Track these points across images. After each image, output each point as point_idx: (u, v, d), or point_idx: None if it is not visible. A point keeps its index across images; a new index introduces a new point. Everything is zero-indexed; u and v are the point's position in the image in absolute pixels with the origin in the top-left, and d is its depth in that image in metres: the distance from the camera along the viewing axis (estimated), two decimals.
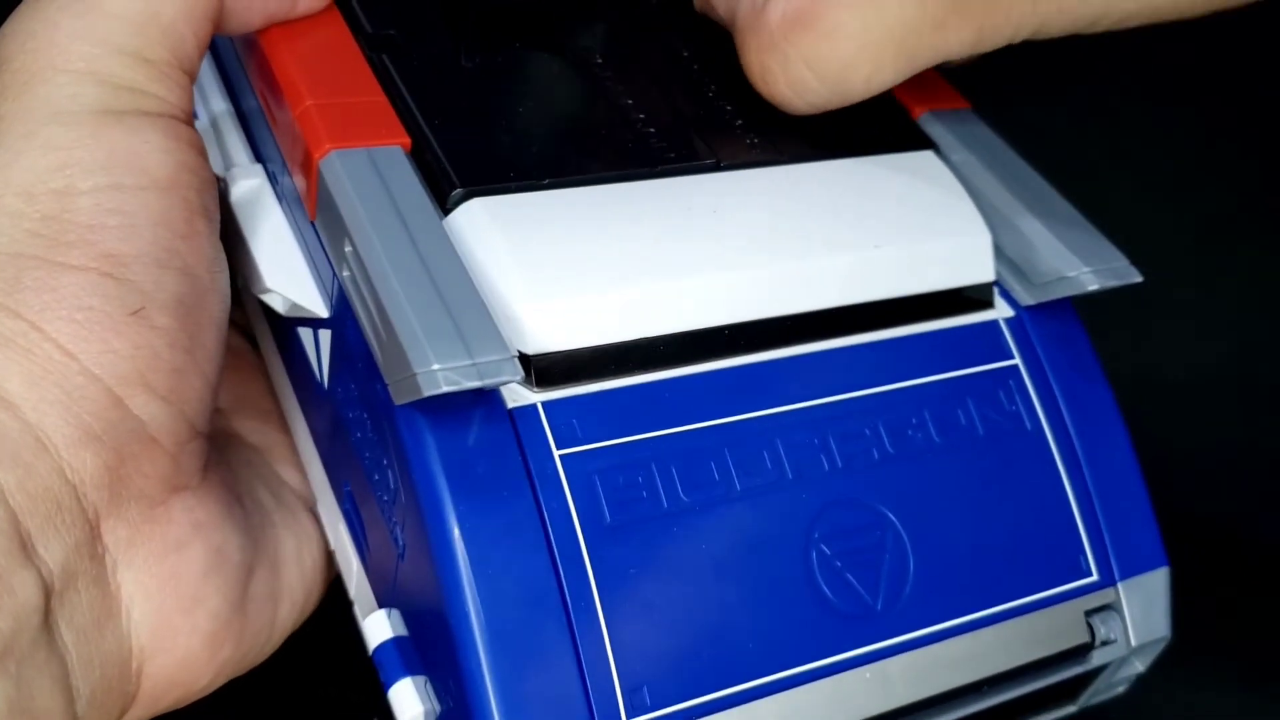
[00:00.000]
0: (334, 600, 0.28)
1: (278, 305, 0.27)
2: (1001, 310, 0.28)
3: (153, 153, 0.23)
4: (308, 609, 0.27)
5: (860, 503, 0.25)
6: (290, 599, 0.27)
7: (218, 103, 0.29)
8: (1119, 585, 0.27)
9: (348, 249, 0.23)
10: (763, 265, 0.25)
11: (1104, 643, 0.27)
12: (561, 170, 0.25)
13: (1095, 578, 0.27)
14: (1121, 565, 0.27)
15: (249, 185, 0.27)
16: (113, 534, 0.22)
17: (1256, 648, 0.34)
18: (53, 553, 0.21)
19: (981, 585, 0.25)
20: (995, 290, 0.28)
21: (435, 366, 0.21)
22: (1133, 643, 0.27)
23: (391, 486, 0.23)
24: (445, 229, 0.23)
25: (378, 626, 0.24)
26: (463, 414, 0.22)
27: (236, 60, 0.29)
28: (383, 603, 0.25)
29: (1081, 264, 0.27)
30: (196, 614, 0.24)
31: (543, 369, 0.23)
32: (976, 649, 0.25)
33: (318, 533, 0.28)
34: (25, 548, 0.21)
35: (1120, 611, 0.27)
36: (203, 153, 0.25)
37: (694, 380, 0.24)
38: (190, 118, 0.25)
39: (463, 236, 0.24)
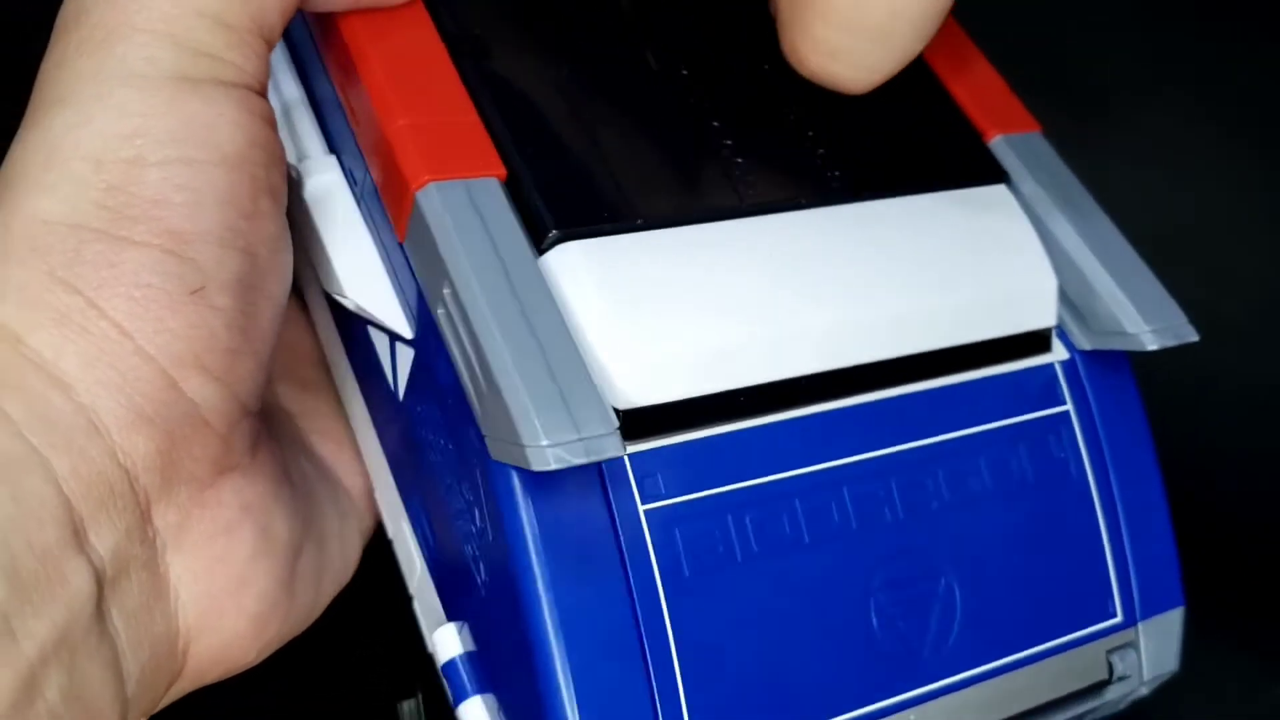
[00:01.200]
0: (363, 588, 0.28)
1: (349, 305, 0.27)
2: (1058, 353, 0.29)
3: (225, 126, 0.23)
4: (345, 581, 0.28)
5: (917, 552, 0.26)
6: (333, 572, 0.27)
7: (290, 88, 0.28)
8: (1139, 625, 0.29)
9: (446, 291, 0.23)
10: (849, 313, 0.25)
11: (1120, 678, 0.28)
12: (650, 206, 0.25)
13: (1119, 619, 0.28)
14: (1144, 606, 0.29)
15: (324, 180, 0.27)
16: (163, 518, 0.23)
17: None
18: (104, 540, 0.21)
19: (1018, 629, 0.27)
20: (1054, 332, 0.29)
21: (545, 443, 0.21)
22: (1145, 677, 0.29)
23: (478, 525, 0.24)
24: (540, 268, 0.23)
25: (448, 640, 0.25)
26: (556, 471, 0.23)
27: (310, 42, 0.28)
28: (451, 615, 0.26)
29: (1143, 322, 0.28)
30: (244, 596, 0.24)
31: (631, 422, 0.23)
32: (1009, 690, 0.27)
33: (356, 504, 0.29)
34: (78, 535, 0.21)
35: (1137, 649, 0.29)
36: (274, 125, 0.24)
37: (770, 430, 0.25)
38: (265, 89, 0.24)
39: (556, 279, 0.24)
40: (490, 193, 0.24)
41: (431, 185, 0.24)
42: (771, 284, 0.25)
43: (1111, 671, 0.28)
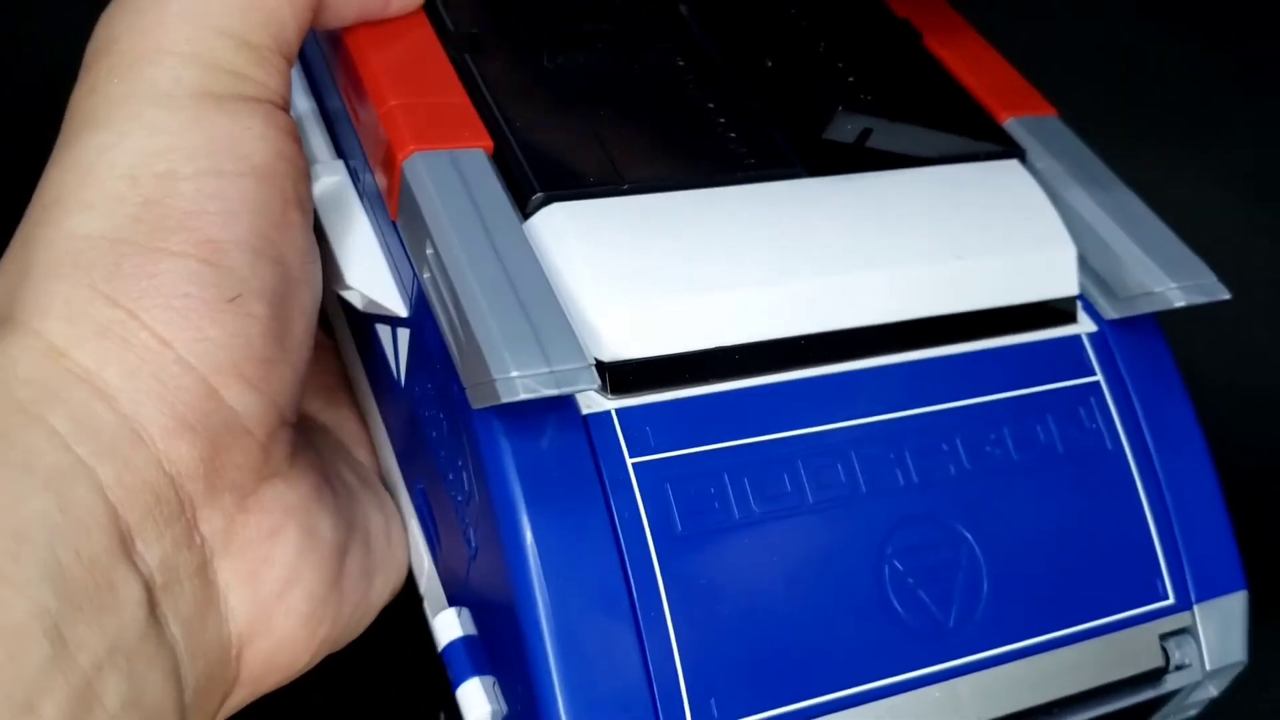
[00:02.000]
0: (402, 602, 0.28)
1: (356, 301, 0.27)
2: (1084, 325, 0.28)
3: (252, 139, 0.23)
4: (398, 583, 0.28)
5: (935, 519, 0.25)
6: (383, 574, 0.27)
7: (301, 101, 0.30)
8: (1195, 609, 0.26)
9: (429, 251, 0.23)
10: (842, 275, 0.25)
11: (1178, 667, 0.26)
12: (642, 175, 0.25)
13: (1171, 601, 0.26)
14: (1199, 588, 0.27)
15: (330, 181, 0.28)
16: (208, 524, 0.23)
17: None
18: (152, 547, 0.21)
19: (1055, 606, 0.25)
20: (1079, 304, 0.28)
21: (514, 373, 0.21)
22: (1207, 667, 0.26)
23: (466, 488, 0.23)
24: (525, 233, 0.23)
25: (448, 625, 0.25)
26: (538, 420, 0.22)
27: (321, 60, 0.29)
28: (453, 601, 0.25)
29: (1169, 279, 0.26)
30: (292, 596, 0.24)
31: (618, 376, 0.23)
32: (1047, 671, 0.25)
33: (398, 510, 0.28)
34: (125, 543, 0.21)
35: (1195, 635, 0.26)
36: (298, 140, 0.25)
37: (769, 390, 0.24)
38: (288, 104, 0.25)
39: (542, 241, 0.24)
40: (476, 162, 0.24)
41: (417, 154, 0.24)
42: (766, 245, 0.25)
43: (1168, 659, 0.26)
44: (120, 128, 0.23)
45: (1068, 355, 0.27)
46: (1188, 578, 0.26)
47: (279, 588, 0.24)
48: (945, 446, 0.25)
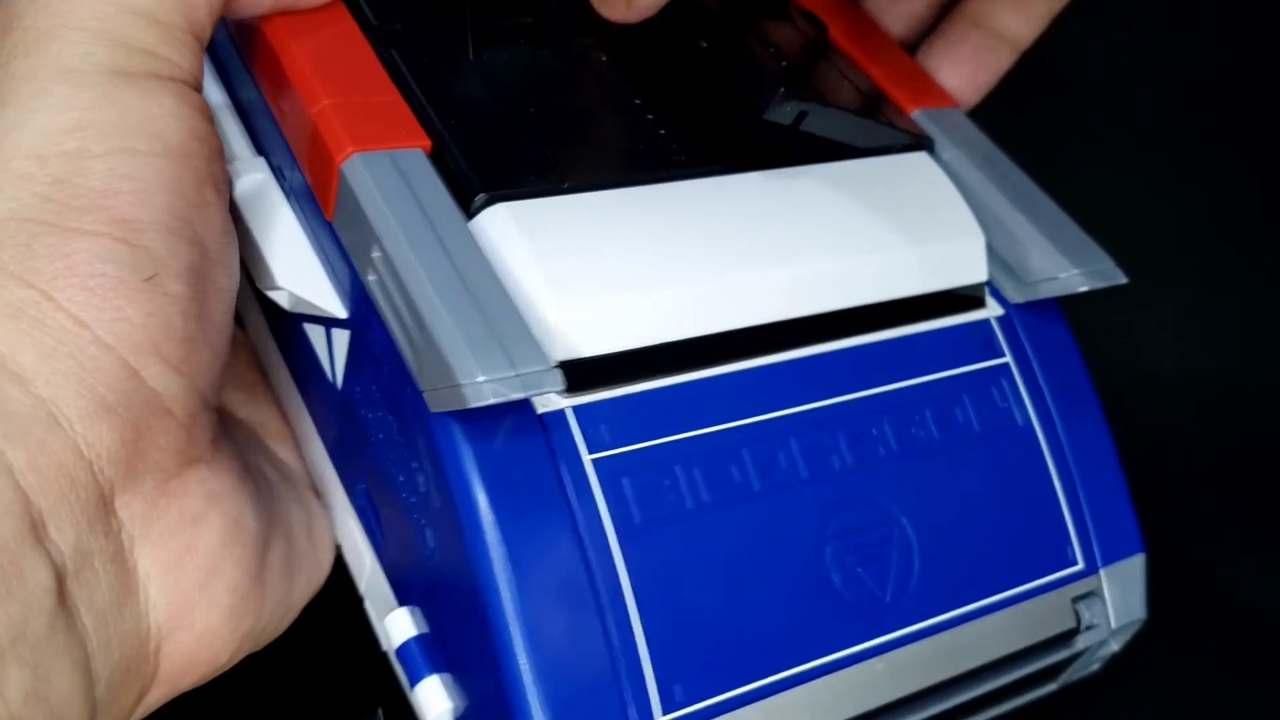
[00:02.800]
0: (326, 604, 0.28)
1: (284, 301, 0.26)
2: (992, 309, 0.29)
3: (165, 117, 0.23)
4: (319, 581, 0.27)
5: (869, 499, 0.26)
6: (305, 571, 0.27)
7: (214, 93, 0.29)
8: (1101, 572, 0.28)
9: (375, 254, 0.23)
10: (777, 270, 0.26)
11: (1088, 627, 0.28)
12: (578, 173, 0.25)
13: (1080, 566, 0.28)
14: (1104, 553, 0.28)
15: (253, 180, 0.27)
16: (128, 509, 0.22)
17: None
18: (65, 533, 0.21)
19: (980, 576, 0.27)
20: (987, 290, 0.29)
21: (481, 378, 0.21)
22: (1113, 625, 0.28)
23: (421, 489, 0.23)
24: (470, 233, 0.24)
25: (401, 624, 0.25)
26: (496, 421, 0.23)
27: (233, 49, 0.28)
28: (403, 600, 0.25)
29: (1071, 265, 0.28)
30: (214, 588, 0.24)
31: (573, 374, 0.23)
32: (975, 638, 0.26)
33: (323, 507, 0.28)
34: (36, 529, 0.20)
35: (1102, 597, 0.28)
36: (211, 120, 0.24)
37: (711, 383, 0.25)
38: (200, 85, 0.25)
39: (488, 241, 0.24)
40: (416, 162, 0.24)
41: (356, 155, 0.24)
42: (704, 241, 0.25)
43: (1079, 620, 0.28)
44: (26, 105, 0.22)
45: (979, 339, 0.29)
46: (1094, 543, 0.28)
47: (201, 577, 0.23)
48: (874, 430, 0.26)
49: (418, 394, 0.23)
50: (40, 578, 0.20)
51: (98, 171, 0.22)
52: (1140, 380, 0.41)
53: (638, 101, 0.28)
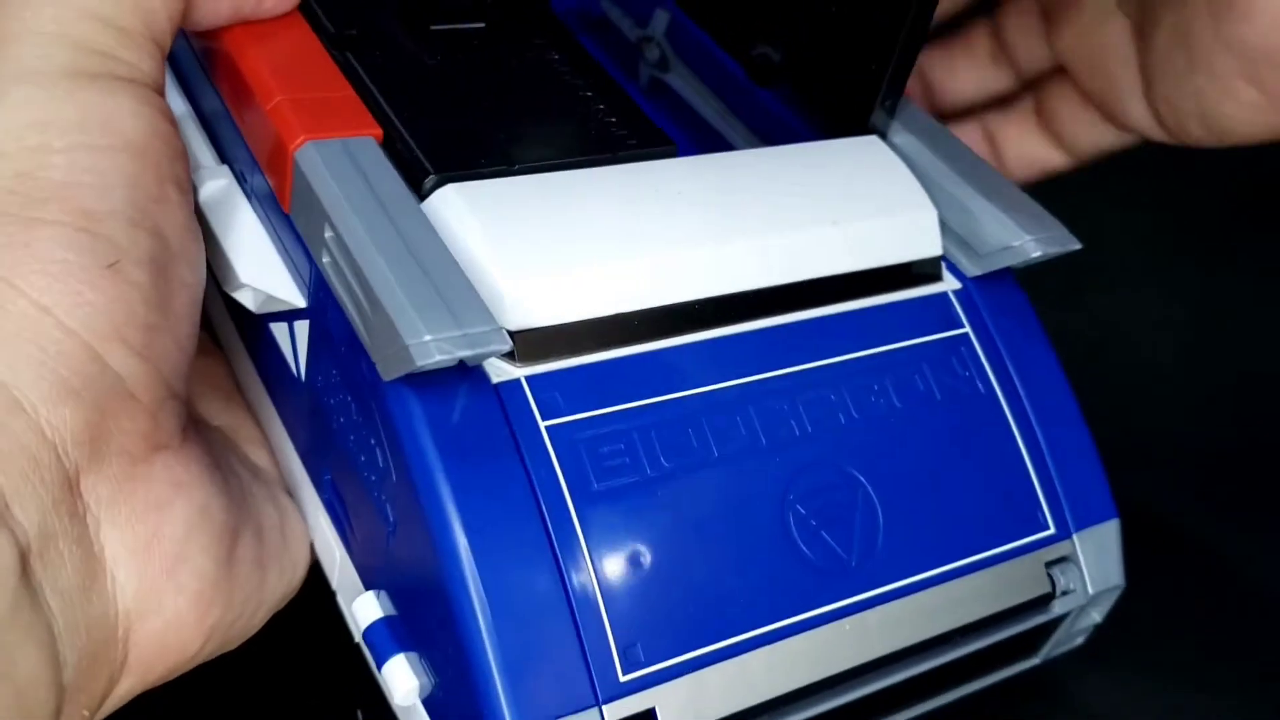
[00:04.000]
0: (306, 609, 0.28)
1: (249, 301, 0.27)
2: (950, 283, 0.29)
3: (126, 116, 0.23)
4: (294, 583, 0.27)
5: (830, 465, 0.26)
6: (277, 568, 0.27)
7: (177, 104, 0.30)
8: (1074, 537, 0.28)
9: (328, 234, 0.24)
10: (730, 242, 0.26)
11: (1064, 592, 0.28)
12: (529, 157, 0.26)
13: (1052, 530, 0.28)
14: (1076, 518, 0.28)
15: (217, 185, 0.28)
16: (93, 492, 0.22)
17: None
18: (29, 512, 0.21)
19: (947, 540, 0.27)
20: (943, 264, 0.30)
21: (427, 337, 0.21)
22: (1090, 591, 0.28)
23: (380, 464, 0.24)
24: (422, 213, 0.24)
25: (367, 607, 0.25)
26: (449, 389, 0.23)
27: (195, 62, 0.29)
28: (369, 585, 0.25)
29: (1024, 233, 0.28)
30: (181, 573, 0.24)
31: (525, 344, 0.24)
32: (947, 601, 0.26)
33: (296, 508, 0.28)
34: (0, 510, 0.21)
35: (1077, 562, 0.28)
36: (174, 123, 0.25)
37: (668, 353, 0.25)
38: (163, 89, 0.25)
39: (440, 220, 0.24)
40: (368, 149, 0.25)
41: (309, 143, 0.25)
42: (656, 216, 0.26)
43: (1054, 585, 0.28)
44: None
45: (937, 310, 0.29)
46: (1065, 509, 0.28)
47: (168, 563, 0.23)
48: (834, 397, 0.27)
49: (373, 367, 0.23)
50: (3, 558, 0.20)
51: (59, 165, 0.22)
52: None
53: (588, 94, 0.28)
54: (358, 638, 0.26)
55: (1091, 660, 0.32)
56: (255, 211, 0.27)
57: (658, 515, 0.24)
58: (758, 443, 0.25)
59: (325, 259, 0.24)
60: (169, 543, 0.23)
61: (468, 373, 0.23)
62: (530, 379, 0.24)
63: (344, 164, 0.24)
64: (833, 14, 0.29)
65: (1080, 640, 0.30)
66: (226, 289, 0.27)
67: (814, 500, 0.25)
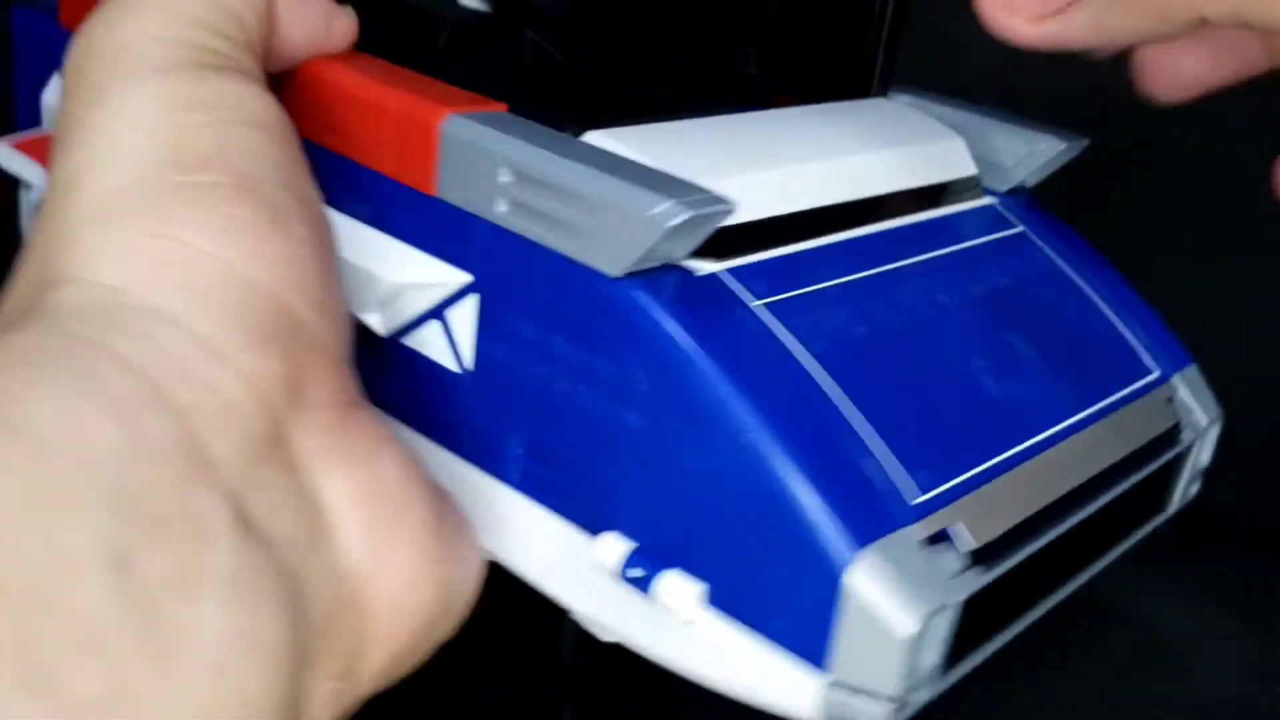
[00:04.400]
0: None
1: (379, 324, 0.27)
2: (988, 199, 0.33)
3: (255, 99, 0.24)
4: (481, 568, 0.26)
5: (977, 331, 0.28)
6: (471, 539, 0.25)
7: None
8: (1174, 379, 0.31)
9: (503, 179, 0.24)
10: (835, 158, 0.28)
11: (1189, 425, 0.30)
12: (646, 111, 0.28)
13: (1157, 374, 0.31)
14: (1167, 364, 0.31)
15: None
16: (303, 443, 0.21)
17: None
18: (239, 465, 0.20)
19: (1083, 390, 0.29)
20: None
21: (665, 203, 0.22)
22: (1204, 420, 0.31)
23: (615, 380, 0.24)
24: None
25: (613, 545, 0.24)
26: (670, 282, 0.24)
27: None
28: (599, 530, 0.25)
29: (1039, 138, 0.32)
30: (405, 523, 0.23)
31: (717, 242, 0.25)
32: (1102, 437, 0.28)
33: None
34: (208, 467, 0.19)
35: (1185, 397, 0.31)
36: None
37: (822, 249, 0.27)
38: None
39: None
40: (502, 116, 0.26)
41: (452, 115, 0.25)
42: (775, 143, 0.28)
43: (1179, 416, 0.30)
44: (124, 96, 0.23)
45: (991, 217, 0.32)
46: (1158, 356, 0.31)
47: (392, 511, 0.22)
48: (956, 279, 0.29)
49: (590, 286, 0.23)
50: (218, 514, 0.19)
51: (207, 136, 0.23)
52: None
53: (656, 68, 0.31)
54: (613, 575, 0.24)
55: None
56: (361, 224, 0.28)
57: (878, 368, 0.25)
58: (921, 313, 0.27)
59: (502, 207, 0.25)
60: (388, 490, 0.22)
61: (679, 271, 0.24)
62: (729, 272, 0.25)
63: (491, 123, 0.25)
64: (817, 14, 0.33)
65: (1195, 490, 0.32)
66: (361, 312, 0.27)
67: (983, 358, 0.27)
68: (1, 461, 0.17)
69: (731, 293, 0.24)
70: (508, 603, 0.27)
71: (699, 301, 0.24)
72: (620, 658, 0.28)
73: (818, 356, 0.24)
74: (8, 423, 0.18)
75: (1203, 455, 0.32)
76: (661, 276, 0.24)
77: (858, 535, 0.21)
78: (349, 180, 0.27)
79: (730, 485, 0.22)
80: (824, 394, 0.23)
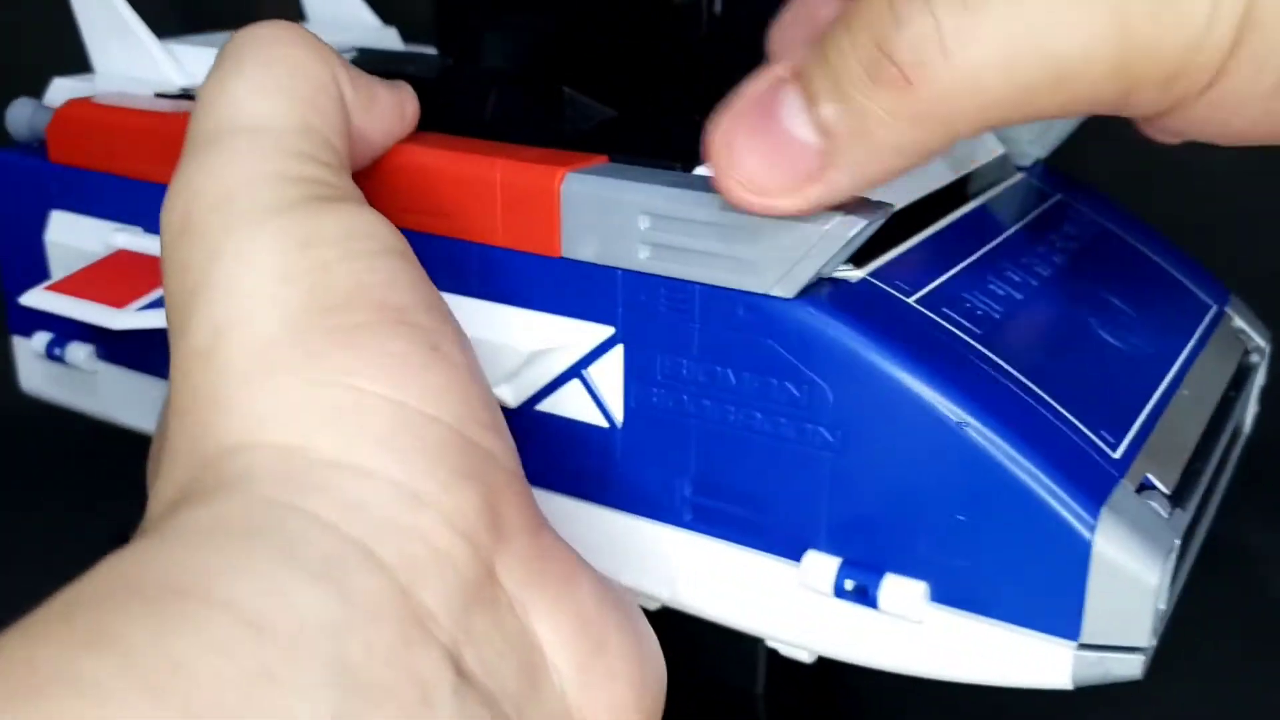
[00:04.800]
0: None
1: (510, 396, 0.26)
2: (1018, 175, 0.34)
3: (372, 223, 0.23)
4: (662, 673, 0.24)
5: (1079, 294, 0.29)
6: (658, 648, 0.24)
7: None
8: (1226, 309, 0.33)
9: (643, 225, 0.24)
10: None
11: (1255, 348, 0.32)
12: None
13: (1215, 307, 0.32)
14: (1217, 297, 0.33)
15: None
16: (509, 576, 0.20)
17: None
18: (456, 618, 0.19)
19: (1176, 330, 0.30)
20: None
21: (837, 215, 0.22)
22: (1262, 344, 0.33)
23: (796, 399, 0.24)
24: None
25: (821, 561, 0.24)
26: (840, 294, 0.24)
27: None
28: (795, 553, 0.25)
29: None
30: (610, 652, 0.22)
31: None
32: (1210, 371, 0.30)
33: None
34: (423, 624, 0.19)
35: (1240, 325, 0.33)
36: None
37: (926, 242, 0.28)
38: None
39: None
40: (609, 167, 0.26)
41: (569, 174, 0.25)
42: None
43: (1246, 342, 0.32)
44: (244, 244, 0.21)
45: (1031, 190, 0.33)
46: (1209, 292, 0.33)
47: (594, 644, 0.21)
48: (1039, 249, 0.30)
49: (758, 311, 0.24)
50: (439, 674, 0.18)
51: (342, 273, 0.21)
52: None
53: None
54: (827, 592, 0.24)
55: None
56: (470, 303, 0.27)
57: (1025, 335, 0.26)
58: (1031, 284, 0.28)
59: (644, 254, 0.25)
60: (592, 619, 0.21)
61: (834, 282, 0.24)
62: (873, 274, 0.25)
63: (611, 174, 0.25)
64: None
65: (1254, 414, 0.34)
66: (508, 399, 0.27)
67: (1096, 316, 0.28)
68: (218, 641, 0.16)
69: (890, 294, 0.25)
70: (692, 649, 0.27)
71: (869, 308, 0.24)
72: (814, 681, 0.28)
73: (980, 339, 0.25)
74: (220, 601, 0.17)
75: (1260, 376, 0.34)
76: (828, 291, 0.24)
77: (1092, 500, 0.22)
78: (455, 259, 0.27)
79: (950, 478, 0.23)
80: (1009, 373, 0.24)
